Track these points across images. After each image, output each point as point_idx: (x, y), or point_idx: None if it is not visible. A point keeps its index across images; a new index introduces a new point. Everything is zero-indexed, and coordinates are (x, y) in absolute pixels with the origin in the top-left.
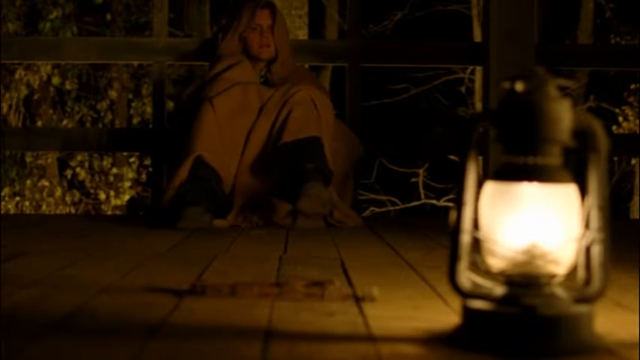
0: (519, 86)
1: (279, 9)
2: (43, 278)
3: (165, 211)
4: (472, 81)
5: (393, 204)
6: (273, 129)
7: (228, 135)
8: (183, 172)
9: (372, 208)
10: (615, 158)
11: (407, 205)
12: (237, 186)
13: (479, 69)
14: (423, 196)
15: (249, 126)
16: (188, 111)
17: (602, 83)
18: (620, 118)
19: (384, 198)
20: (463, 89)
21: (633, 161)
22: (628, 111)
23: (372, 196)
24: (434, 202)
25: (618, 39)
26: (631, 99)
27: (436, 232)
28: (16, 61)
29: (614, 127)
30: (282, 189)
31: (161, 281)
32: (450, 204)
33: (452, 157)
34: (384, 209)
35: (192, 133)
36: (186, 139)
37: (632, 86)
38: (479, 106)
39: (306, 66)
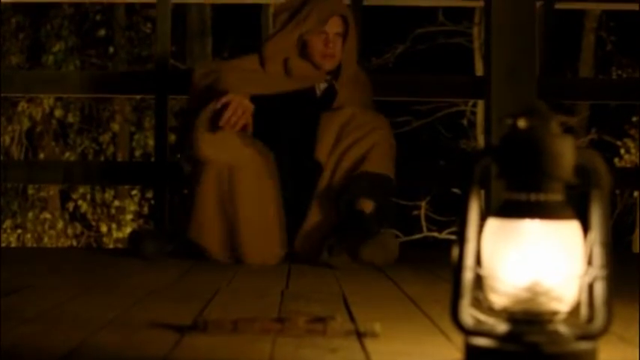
0: (521, 122)
1: (351, 17)
2: (45, 313)
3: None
4: (474, 113)
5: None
6: (338, 154)
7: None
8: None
9: None
10: (617, 192)
11: (409, 238)
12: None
13: (480, 102)
14: (425, 228)
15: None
16: (200, 103)
17: (604, 115)
18: (622, 151)
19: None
20: (465, 122)
21: (635, 194)
22: (630, 143)
23: None
24: (435, 234)
25: (620, 71)
26: (632, 131)
27: (438, 265)
28: (19, 94)
29: (615, 160)
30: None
31: (163, 317)
32: (452, 236)
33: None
34: None
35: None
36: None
37: (634, 118)
38: (481, 139)
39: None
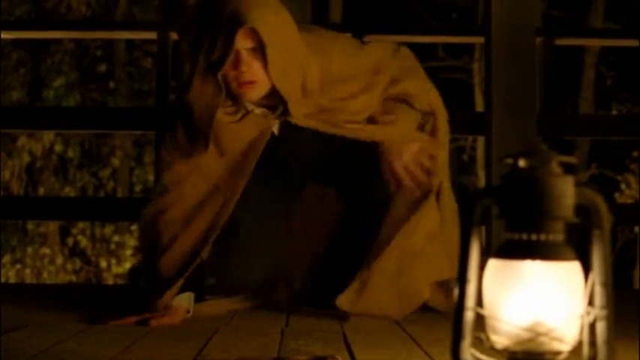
0: (522, 162)
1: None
2: (44, 352)
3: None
4: (474, 149)
5: None
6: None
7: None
8: None
9: None
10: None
11: None
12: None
13: (481, 138)
14: None
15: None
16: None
17: (604, 150)
18: (623, 186)
19: None
20: (466, 157)
21: (636, 229)
22: (630, 178)
23: None
24: None
25: (620, 107)
26: (633, 166)
27: None
28: (19, 130)
29: (616, 195)
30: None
31: (162, 355)
32: None
33: None
34: None
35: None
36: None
37: (634, 153)
38: (481, 174)
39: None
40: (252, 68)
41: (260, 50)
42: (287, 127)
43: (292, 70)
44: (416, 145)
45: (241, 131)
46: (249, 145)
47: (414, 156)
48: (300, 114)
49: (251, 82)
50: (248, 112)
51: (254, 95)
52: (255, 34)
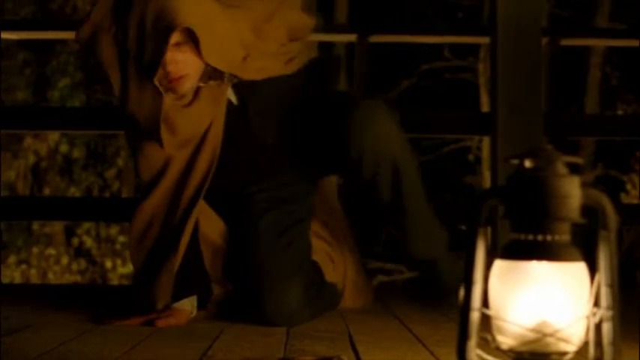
0: (528, 163)
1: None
2: (49, 352)
3: None
4: (480, 149)
5: (401, 272)
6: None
7: None
8: None
9: (379, 277)
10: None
11: (414, 275)
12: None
13: (486, 138)
14: None
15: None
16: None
17: (610, 150)
18: (629, 186)
19: (392, 267)
20: (471, 157)
21: None
22: (636, 178)
23: (380, 264)
24: None
25: (625, 107)
26: (638, 166)
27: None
28: (24, 130)
29: (622, 195)
30: None
31: (167, 356)
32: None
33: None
34: (391, 278)
35: None
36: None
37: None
38: (487, 175)
39: None
40: (179, 64)
41: (187, 39)
42: (245, 90)
43: (227, 43)
44: None
45: (195, 112)
46: (210, 122)
47: None
48: (250, 72)
49: (180, 78)
50: (198, 89)
51: (187, 87)
52: (183, 29)
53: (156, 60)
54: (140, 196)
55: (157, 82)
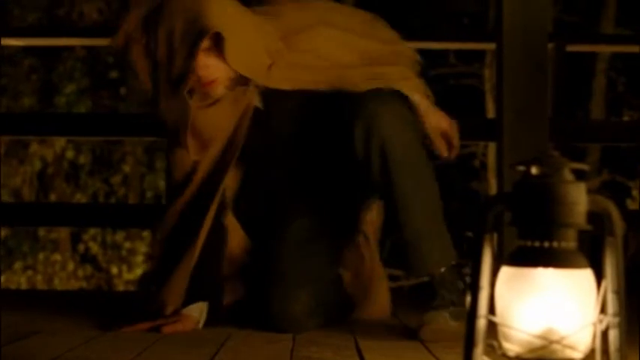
0: (534, 169)
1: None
2: (56, 359)
3: None
4: (486, 155)
5: (407, 278)
6: None
7: None
8: None
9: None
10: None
11: (421, 281)
12: None
13: (492, 144)
14: None
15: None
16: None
17: (616, 156)
18: (635, 192)
19: (398, 273)
20: (477, 163)
21: None
22: None
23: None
24: None
25: (631, 112)
26: None
27: None
28: (30, 136)
29: (628, 201)
30: None
31: None
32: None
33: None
34: (398, 284)
35: None
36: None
37: None
38: (493, 181)
39: None
40: (210, 68)
41: (214, 45)
42: (271, 97)
43: (252, 49)
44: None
45: (215, 112)
46: (234, 125)
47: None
48: (276, 80)
49: (212, 82)
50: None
51: (219, 90)
52: (211, 35)
53: (184, 72)
54: (171, 195)
55: (185, 94)
